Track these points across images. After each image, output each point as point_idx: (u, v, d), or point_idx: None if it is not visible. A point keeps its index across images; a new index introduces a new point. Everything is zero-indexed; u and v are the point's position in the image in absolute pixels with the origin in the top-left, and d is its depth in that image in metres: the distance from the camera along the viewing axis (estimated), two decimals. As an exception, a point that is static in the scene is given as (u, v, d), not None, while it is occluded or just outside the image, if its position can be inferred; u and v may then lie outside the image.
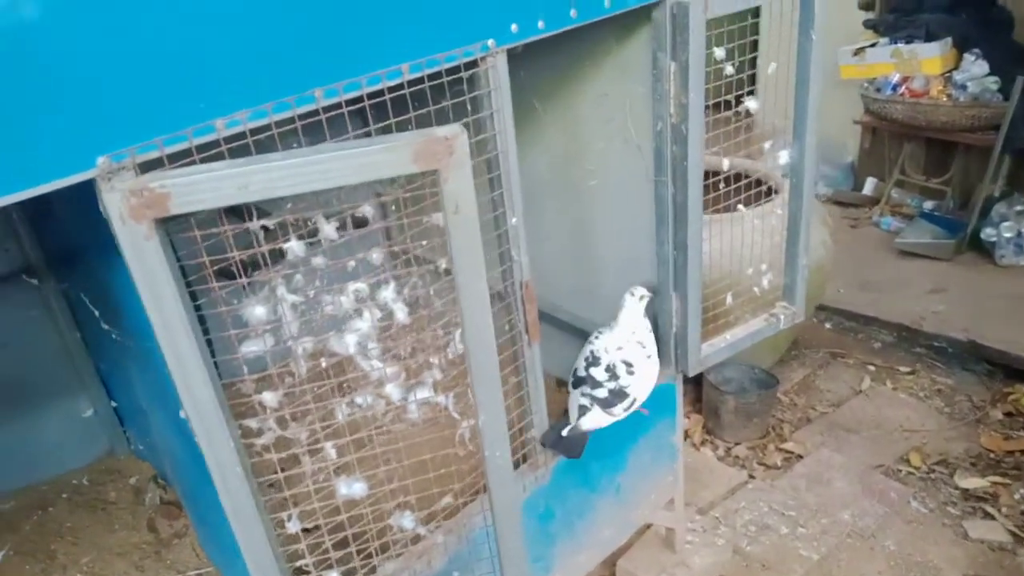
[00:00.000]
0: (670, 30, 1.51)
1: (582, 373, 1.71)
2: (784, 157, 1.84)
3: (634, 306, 1.71)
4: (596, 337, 1.74)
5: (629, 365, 1.69)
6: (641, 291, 1.71)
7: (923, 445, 2.81)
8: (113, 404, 2.11)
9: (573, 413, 1.68)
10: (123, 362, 1.75)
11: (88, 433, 2.08)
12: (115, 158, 0.90)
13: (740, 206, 1.90)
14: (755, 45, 1.67)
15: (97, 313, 1.59)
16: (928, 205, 4.32)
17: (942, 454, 2.75)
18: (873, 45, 4.13)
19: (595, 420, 1.67)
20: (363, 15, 1.08)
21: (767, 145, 1.81)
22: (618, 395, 1.67)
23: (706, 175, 1.67)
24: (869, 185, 4.68)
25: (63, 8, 0.83)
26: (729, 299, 1.91)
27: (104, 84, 0.88)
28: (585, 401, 1.67)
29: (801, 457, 2.81)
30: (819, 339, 3.54)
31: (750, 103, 1.71)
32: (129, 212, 0.86)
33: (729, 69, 1.63)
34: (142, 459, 2.12)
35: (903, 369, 3.26)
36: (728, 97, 1.68)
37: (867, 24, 4.31)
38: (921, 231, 4.05)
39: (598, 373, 1.69)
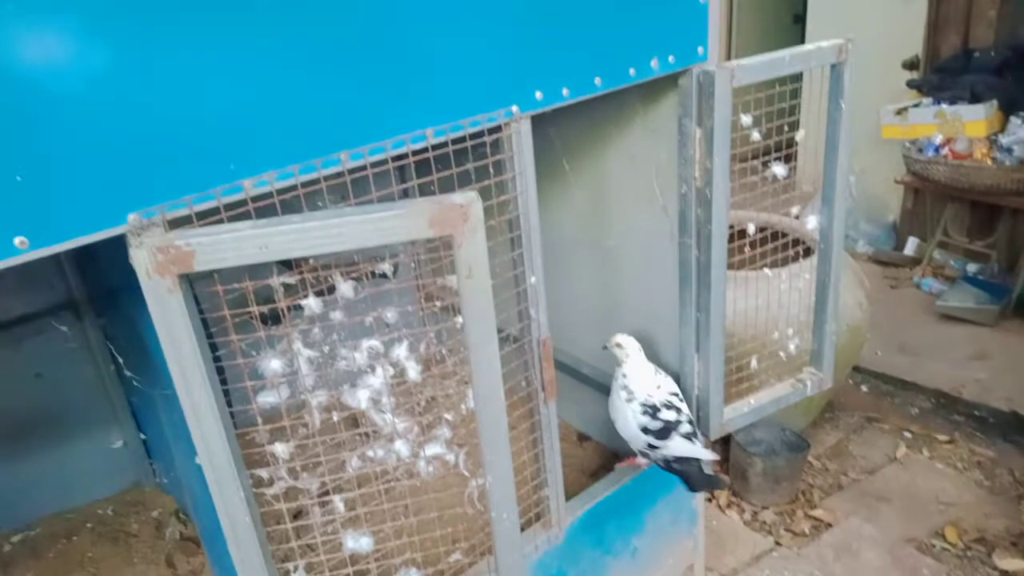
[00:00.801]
0: (696, 97, 1.54)
1: (661, 422, 1.71)
2: (813, 222, 1.83)
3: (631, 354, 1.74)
4: (632, 395, 1.72)
5: (675, 394, 1.76)
6: (618, 339, 1.75)
7: (960, 520, 2.70)
8: (142, 436, 2.17)
9: (696, 451, 1.72)
10: (152, 397, 1.80)
11: (116, 464, 2.14)
12: (145, 215, 0.94)
13: (766, 269, 1.89)
14: (788, 111, 1.67)
15: (121, 360, 1.65)
16: (972, 268, 4.22)
17: (980, 531, 2.64)
18: (916, 105, 4.10)
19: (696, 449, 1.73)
20: (390, 83, 1.12)
21: (794, 210, 1.80)
22: (691, 421, 1.75)
23: (735, 232, 1.67)
24: (911, 245, 4.59)
25: (106, 76, 0.89)
26: (754, 363, 1.89)
27: (141, 145, 0.93)
28: (690, 436, 1.72)
29: (830, 525, 2.72)
30: (854, 402, 3.45)
31: (777, 168, 1.71)
32: (155, 268, 0.90)
33: (756, 135, 1.64)
34: (166, 492, 2.16)
35: (941, 438, 3.15)
36: (755, 162, 1.69)
37: (911, 84, 4.28)
38: (964, 295, 3.95)
39: (670, 414, 1.71)
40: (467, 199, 0.99)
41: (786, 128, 1.70)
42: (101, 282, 1.90)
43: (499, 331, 1.08)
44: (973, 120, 3.80)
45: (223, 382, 1.03)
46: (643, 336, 1.82)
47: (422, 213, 0.97)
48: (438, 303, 1.39)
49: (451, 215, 0.98)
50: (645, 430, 1.71)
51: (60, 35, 0.85)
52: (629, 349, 1.74)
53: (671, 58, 1.47)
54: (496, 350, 1.09)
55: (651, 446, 1.71)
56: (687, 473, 1.73)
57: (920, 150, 4.03)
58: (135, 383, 1.68)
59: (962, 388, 3.35)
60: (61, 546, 1.95)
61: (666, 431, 1.70)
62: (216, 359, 1.01)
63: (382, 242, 0.98)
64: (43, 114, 0.85)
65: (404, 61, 1.13)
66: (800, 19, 5.76)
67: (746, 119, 1.61)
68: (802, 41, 5.39)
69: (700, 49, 1.51)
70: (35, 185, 0.86)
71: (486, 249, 1.02)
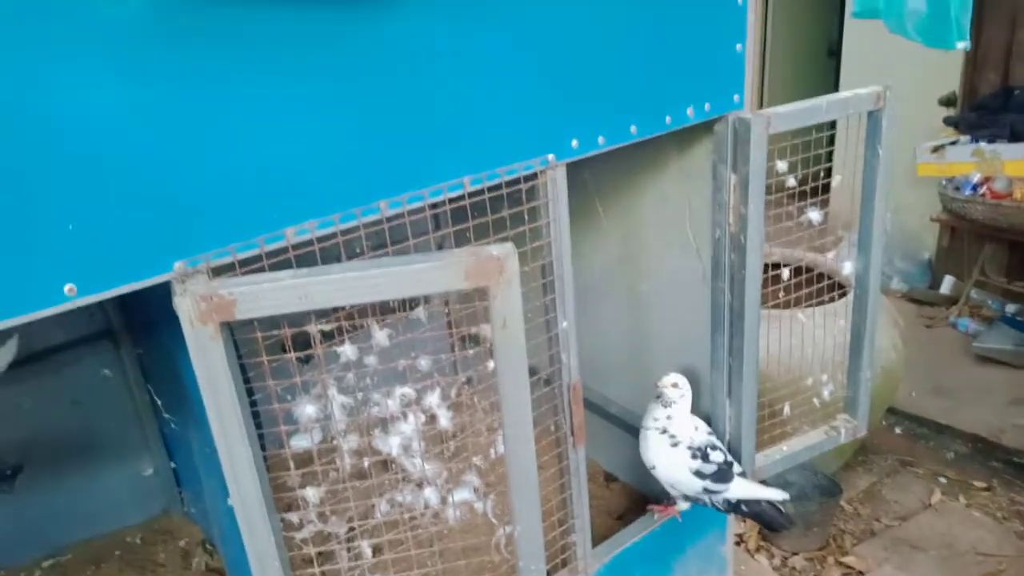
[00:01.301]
0: (731, 143, 1.54)
1: (714, 465, 1.68)
2: (848, 268, 1.81)
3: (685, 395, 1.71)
4: (676, 438, 1.69)
5: (711, 434, 1.74)
6: (675, 379, 1.71)
7: (999, 572, 2.61)
8: (172, 464, 2.19)
9: (765, 492, 1.70)
10: (185, 426, 1.83)
11: (147, 492, 2.16)
12: (191, 263, 0.97)
13: (800, 314, 1.87)
14: (824, 156, 1.66)
15: (157, 395, 1.68)
16: (1010, 309, 4.12)
17: (1021, 585, 2.55)
18: (953, 143, 4.05)
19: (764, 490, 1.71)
20: (429, 134, 1.14)
21: (830, 255, 1.78)
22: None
23: (769, 266, 1.65)
24: (947, 284, 4.51)
25: (161, 129, 0.92)
26: (787, 409, 1.86)
27: (191, 195, 0.95)
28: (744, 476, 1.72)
29: (862, 574, 2.65)
30: (888, 444, 3.37)
31: (812, 214, 1.70)
32: (198, 316, 0.92)
33: (792, 181, 1.63)
34: (194, 522, 2.18)
35: (978, 484, 3.06)
36: (790, 208, 1.68)
37: (947, 121, 4.23)
38: (1002, 336, 3.86)
39: (718, 455, 1.69)
40: (503, 252, 0.99)
41: (822, 174, 1.69)
42: (140, 312, 1.94)
43: (531, 373, 1.08)
44: (1013, 159, 3.74)
45: (258, 425, 1.04)
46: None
47: (459, 265, 0.98)
48: (470, 350, 1.39)
49: (487, 267, 0.99)
50: (699, 474, 1.67)
51: (114, 89, 0.88)
52: (684, 390, 1.69)
53: (707, 106, 1.47)
54: (528, 399, 1.09)
55: (708, 491, 1.67)
56: (761, 515, 1.71)
57: (957, 188, 3.98)
58: (171, 424, 1.71)
59: (1001, 433, 3.26)
60: (90, 573, 1.97)
61: (723, 474, 1.67)
62: (252, 403, 1.03)
63: (419, 293, 0.99)
64: (98, 165, 0.88)
65: (443, 113, 1.15)
66: (834, 52, 5.74)
67: (781, 165, 1.61)
68: (836, 74, 5.37)
69: (736, 97, 1.51)
70: (87, 234, 0.89)
71: (521, 301, 1.02)
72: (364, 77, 1.06)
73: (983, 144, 3.87)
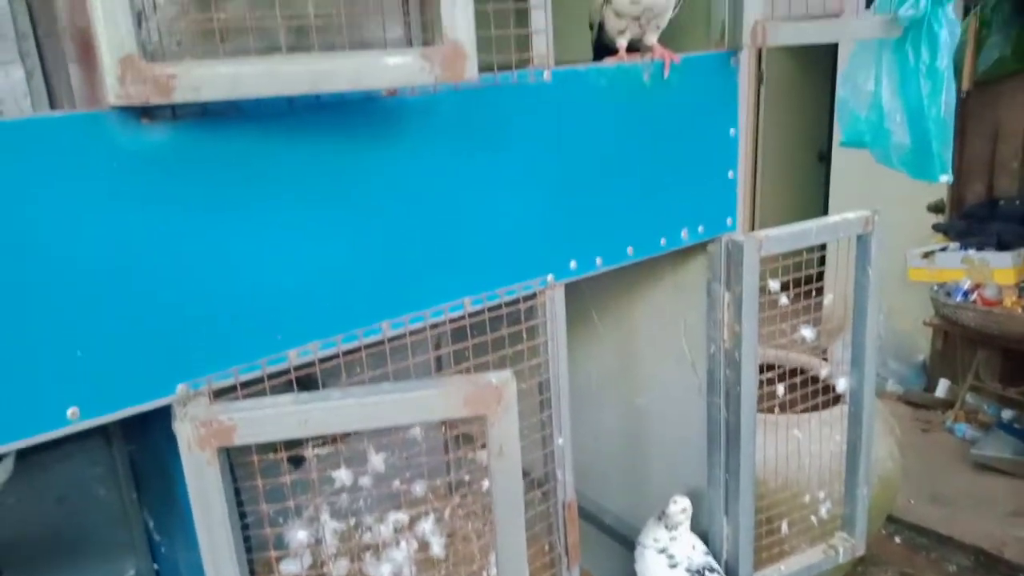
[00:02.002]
0: (724, 263, 1.58)
1: None
2: (842, 384, 1.82)
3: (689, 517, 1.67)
4: (674, 559, 1.65)
5: (707, 553, 1.69)
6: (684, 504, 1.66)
7: None
8: (155, 567, 2.13)
9: None
10: (170, 530, 1.79)
11: (126, 595, 2.09)
12: (193, 385, 0.98)
13: (795, 429, 1.87)
14: (816, 276, 1.70)
15: (152, 524, 1.65)
16: (1007, 415, 4.11)
17: None
18: (943, 249, 4.14)
19: None
20: (431, 259, 1.18)
21: (823, 372, 1.80)
22: None
23: (765, 368, 1.66)
24: (942, 387, 4.50)
25: (167, 258, 0.95)
26: (785, 527, 1.84)
27: (195, 319, 0.98)
28: None
29: None
30: (888, 554, 3.29)
31: (806, 331, 1.73)
32: (197, 441, 0.93)
33: (784, 300, 1.67)
34: (172, 628, 2.09)
35: (983, 602, 2.97)
36: (783, 326, 1.71)
37: (936, 227, 4.34)
38: (1000, 444, 3.82)
39: None
40: (502, 380, 1.01)
41: (814, 292, 1.73)
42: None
43: (524, 474, 1.07)
44: (1001, 268, 3.82)
45: (248, 550, 1.03)
46: (670, 487, 1.79)
47: (458, 393, 0.99)
48: (466, 476, 1.38)
49: (485, 395, 1.00)
50: None
51: (124, 218, 0.91)
52: (690, 512, 1.66)
53: (700, 228, 1.53)
54: (522, 524, 1.08)
55: None
56: None
57: (948, 294, 4.04)
58: (156, 534, 1.67)
59: (1003, 546, 3.19)
60: None
61: None
62: (244, 527, 1.02)
63: (418, 420, 1.00)
64: (108, 292, 0.91)
65: (444, 238, 1.19)
66: (824, 157, 5.93)
67: (774, 284, 1.65)
68: (827, 178, 5.53)
69: (728, 220, 1.56)
70: (93, 359, 0.90)
71: (518, 427, 1.03)
72: (368, 205, 1.10)
73: (972, 252, 3.96)
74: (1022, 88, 3.99)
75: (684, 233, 1.50)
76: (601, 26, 1.40)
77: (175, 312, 0.96)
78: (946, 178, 1.46)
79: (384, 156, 1.10)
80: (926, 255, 4.17)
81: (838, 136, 5.15)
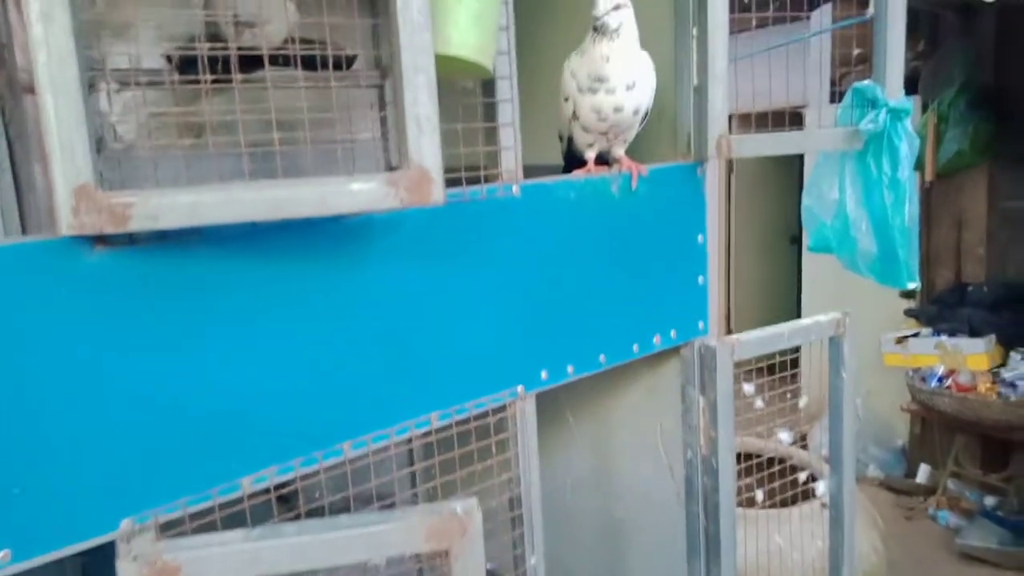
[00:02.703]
0: (698, 367, 1.56)
1: None
2: (821, 488, 1.78)
3: None
4: None
5: None
6: None
7: None
8: None
9: None
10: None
11: None
12: (138, 520, 0.92)
13: (777, 537, 1.82)
14: (790, 378, 1.69)
15: None
16: (990, 502, 4.06)
17: None
18: (916, 335, 4.18)
19: None
20: (395, 374, 1.15)
21: (801, 476, 1.77)
22: None
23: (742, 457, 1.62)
24: (923, 473, 4.46)
25: (102, 383, 0.91)
26: (767, 641, 1.76)
27: (141, 449, 0.93)
28: None
29: None
30: (878, 654, 3.17)
31: (782, 435, 1.71)
32: (138, 584, 0.87)
33: (760, 403, 1.65)
34: None
35: None
36: (759, 429, 1.69)
37: (908, 313, 4.40)
38: (985, 533, 3.76)
39: None
40: (466, 508, 0.97)
41: (788, 395, 1.71)
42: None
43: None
44: (974, 353, 3.85)
45: None
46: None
47: (418, 525, 0.95)
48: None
49: (449, 527, 0.96)
50: None
51: (63, 348, 0.88)
52: None
53: (673, 334, 1.52)
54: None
55: None
56: None
57: (924, 379, 4.05)
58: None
59: (994, 645, 3.09)
60: None
61: None
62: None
63: (376, 556, 0.94)
64: (48, 425, 0.86)
65: (408, 352, 1.16)
66: (797, 240, 6.06)
67: (748, 388, 1.63)
68: (799, 260, 5.63)
69: (700, 324, 1.56)
70: (31, 498, 0.85)
71: (483, 560, 0.98)
72: (330, 322, 1.08)
73: (944, 338, 4.00)
74: (982, 179, 4.14)
75: (656, 339, 1.49)
76: (571, 139, 1.42)
77: (121, 442, 0.92)
78: (913, 285, 1.47)
79: (348, 273, 1.08)
80: (900, 340, 4.20)
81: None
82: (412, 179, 0.93)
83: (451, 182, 1.15)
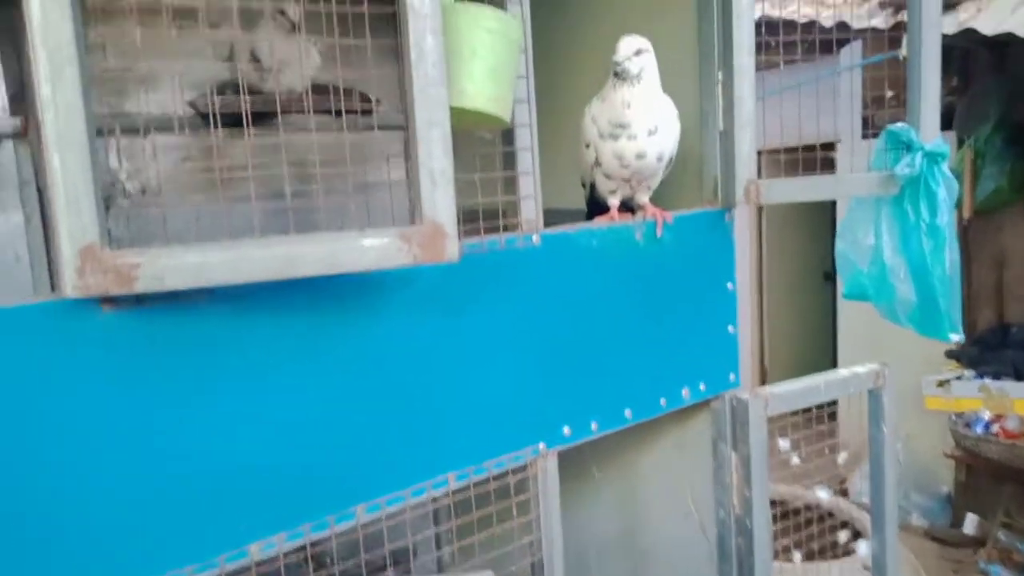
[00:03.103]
0: (730, 422, 1.49)
1: None
2: (863, 548, 1.69)
3: None
4: None
5: None
6: None
7: None
8: None
9: None
10: None
11: None
12: (141, 590, 0.88)
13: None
14: (828, 432, 1.61)
15: None
16: (1044, 555, 3.85)
17: None
18: (958, 378, 4.02)
19: None
20: (411, 431, 1.10)
21: (842, 536, 1.67)
22: None
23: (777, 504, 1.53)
24: (970, 523, 4.25)
25: (92, 449, 0.88)
26: None
27: (141, 514, 0.89)
28: None
29: None
30: None
31: (821, 493, 1.62)
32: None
33: (796, 459, 1.57)
34: None
35: None
36: (796, 487, 1.60)
37: (949, 354, 4.24)
38: (1040, 589, 3.55)
39: None
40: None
41: (827, 451, 1.63)
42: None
43: None
44: (1021, 398, 3.68)
45: None
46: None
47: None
48: None
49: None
50: None
51: (67, 412, 0.85)
52: None
53: (702, 386, 1.45)
54: None
55: None
56: None
57: (968, 425, 3.88)
58: None
59: None
60: None
61: None
62: None
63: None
64: (49, 490, 0.83)
65: (427, 411, 1.12)
66: (830, 276, 5.93)
67: (783, 443, 1.55)
68: (833, 297, 5.49)
69: (731, 376, 1.49)
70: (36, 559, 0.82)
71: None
72: (340, 380, 1.04)
73: (988, 381, 3.84)
74: (1022, 216, 4.01)
75: (685, 392, 1.43)
76: (593, 185, 1.39)
77: (126, 507, 0.88)
78: (956, 337, 1.40)
79: (361, 328, 1.05)
80: (941, 383, 4.04)
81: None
82: (426, 235, 0.90)
83: (469, 232, 1.12)
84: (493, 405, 1.19)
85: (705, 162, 1.44)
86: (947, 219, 1.37)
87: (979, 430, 3.79)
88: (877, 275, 1.46)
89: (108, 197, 0.85)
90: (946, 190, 1.37)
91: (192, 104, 1.64)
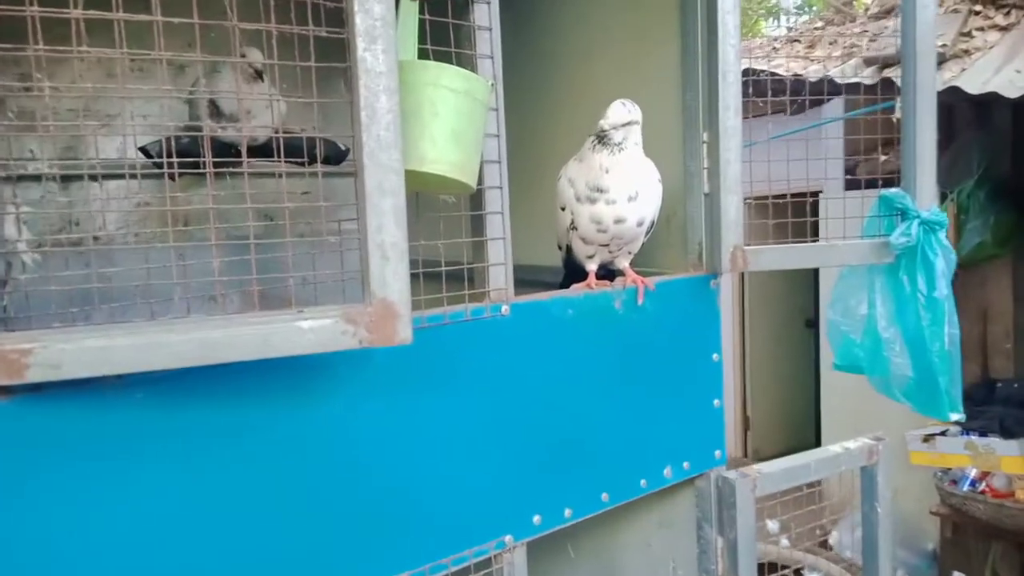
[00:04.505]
0: (715, 502, 1.38)
1: None
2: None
3: None
4: None
5: None
6: None
7: None
8: None
9: None
10: None
11: None
12: None
13: None
14: (819, 512, 1.50)
15: None
16: (1033, 619, 3.73)
17: None
18: (943, 432, 3.94)
19: None
20: (361, 529, 0.98)
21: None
22: None
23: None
24: (958, 582, 4.14)
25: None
26: None
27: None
28: None
29: None
30: None
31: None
32: None
33: (785, 542, 1.46)
34: None
35: None
36: (786, 571, 1.48)
37: (933, 409, 4.16)
38: (1031, 656, 3.43)
39: None
40: None
41: (818, 531, 1.52)
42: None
43: None
44: (1008, 456, 3.60)
45: None
46: None
47: None
48: None
49: None
50: None
51: None
52: None
53: (686, 465, 1.34)
54: None
55: None
56: None
57: (955, 482, 3.79)
58: None
59: None
60: None
61: None
62: None
63: None
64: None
65: (379, 503, 1.00)
66: (812, 324, 5.87)
67: (772, 525, 1.44)
68: (816, 344, 5.43)
69: (717, 453, 1.39)
70: None
71: None
72: (279, 470, 0.92)
73: (975, 437, 3.76)
74: (1006, 271, 3.99)
75: (668, 471, 1.32)
76: (570, 248, 1.29)
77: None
78: (957, 416, 1.31)
79: (303, 413, 0.93)
80: (926, 439, 3.96)
81: (824, 302, 5.06)
82: (375, 315, 0.79)
83: (431, 297, 1.02)
84: (454, 495, 1.07)
85: (689, 224, 1.35)
86: (946, 291, 1.28)
87: (966, 488, 3.70)
88: (871, 347, 1.37)
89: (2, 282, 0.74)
90: (944, 260, 1.29)
91: (143, 150, 1.54)
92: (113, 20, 0.72)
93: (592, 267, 1.26)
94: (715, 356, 1.36)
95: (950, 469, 3.87)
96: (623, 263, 1.27)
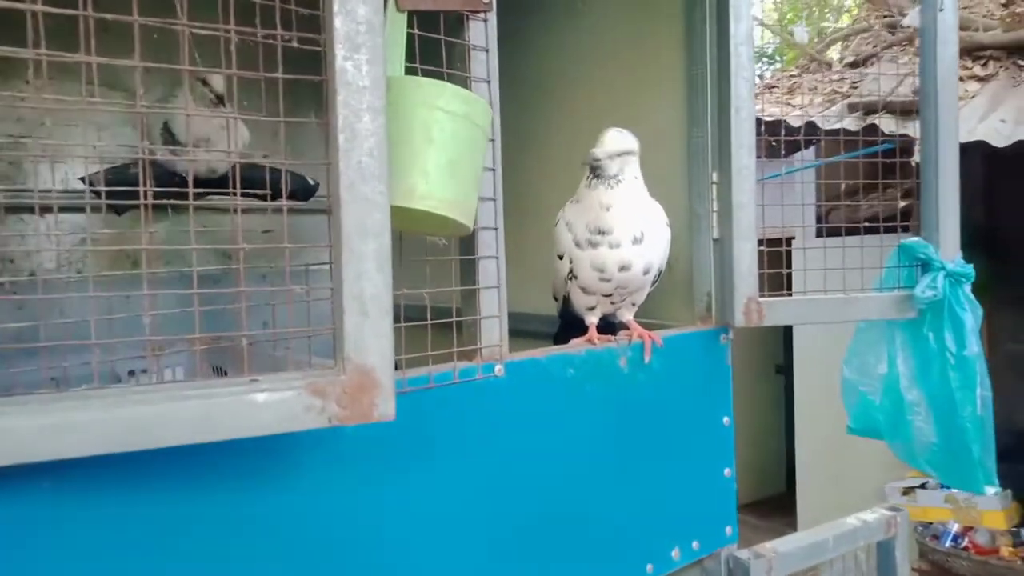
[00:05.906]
0: (726, 585, 1.23)
1: None
2: None
3: None
4: None
5: None
6: None
7: None
8: None
9: None
10: None
11: None
12: None
13: None
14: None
15: None
16: None
17: None
18: (923, 485, 3.85)
19: None
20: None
21: None
22: None
23: None
24: (940, 642, 4.01)
25: None
26: None
27: None
28: None
29: None
30: None
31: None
32: None
33: (799, 628, 1.30)
34: None
35: None
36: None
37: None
38: None
39: None
40: None
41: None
42: None
43: None
44: (990, 510, 3.52)
45: None
46: None
47: None
48: None
49: None
50: None
51: None
52: None
53: (695, 544, 1.19)
54: None
55: None
56: None
57: (936, 537, 3.69)
58: None
59: None
60: None
61: None
62: None
63: None
64: None
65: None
66: (782, 369, 5.81)
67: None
68: (787, 392, 5.34)
69: (728, 529, 1.24)
70: None
71: None
72: (231, 562, 0.75)
73: (955, 491, 3.67)
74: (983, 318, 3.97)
75: (675, 553, 1.17)
76: (567, 298, 1.15)
77: None
78: (993, 490, 1.18)
79: (261, 500, 0.76)
80: (906, 492, 3.86)
81: (800, 351, 4.95)
82: (349, 386, 0.63)
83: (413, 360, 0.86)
84: (433, 589, 0.90)
85: (696, 272, 1.22)
86: (976, 349, 1.17)
87: (948, 543, 3.60)
88: (891, 410, 1.25)
89: None
90: (972, 316, 1.18)
91: (88, 180, 1.38)
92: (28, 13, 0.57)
93: (593, 320, 1.12)
94: (725, 420, 1.23)
95: (931, 523, 3.78)
96: (627, 315, 1.14)
